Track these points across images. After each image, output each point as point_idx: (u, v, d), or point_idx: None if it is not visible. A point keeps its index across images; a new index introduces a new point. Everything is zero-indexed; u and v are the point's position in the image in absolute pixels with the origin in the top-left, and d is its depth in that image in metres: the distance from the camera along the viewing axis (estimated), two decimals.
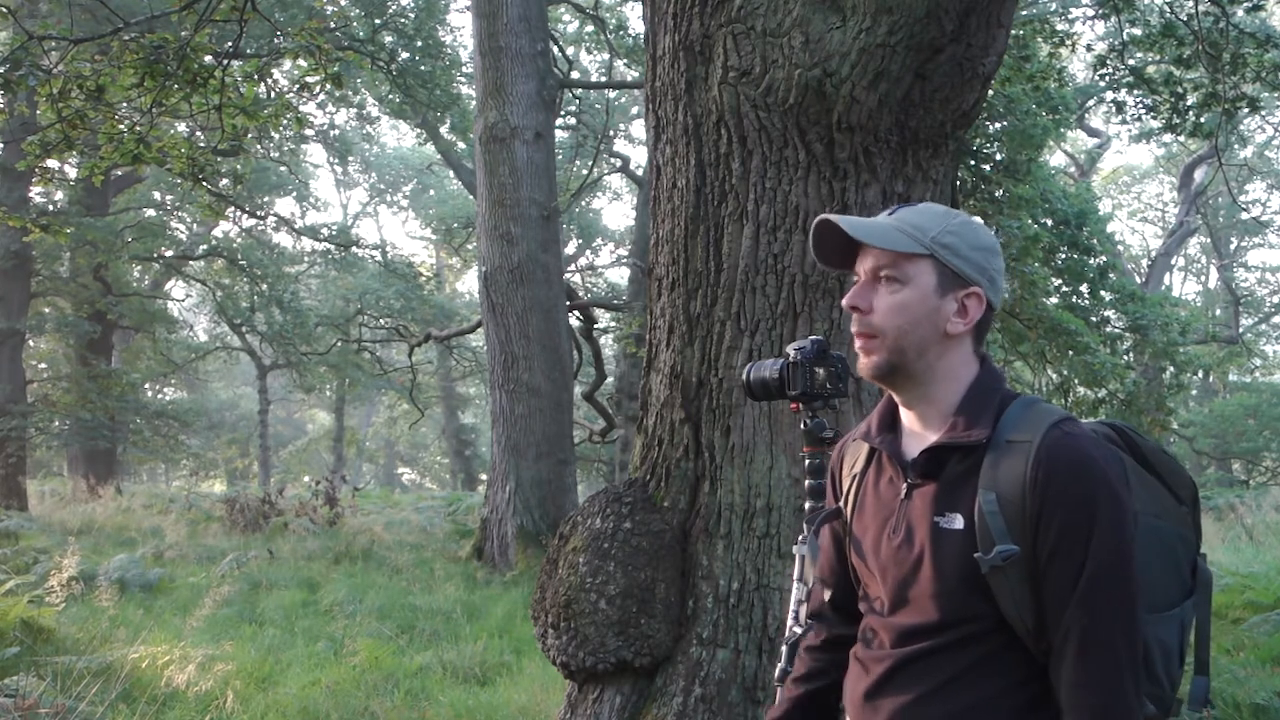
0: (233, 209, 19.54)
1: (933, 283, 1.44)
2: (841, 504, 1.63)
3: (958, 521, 1.39)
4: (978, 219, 1.52)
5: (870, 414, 1.60)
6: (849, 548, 1.59)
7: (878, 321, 1.46)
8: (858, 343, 1.49)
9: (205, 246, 23.42)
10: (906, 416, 1.53)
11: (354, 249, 24.79)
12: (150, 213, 22.73)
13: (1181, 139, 14.61)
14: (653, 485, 3.23)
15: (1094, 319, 11.30)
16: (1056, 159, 26.44)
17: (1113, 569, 1.32)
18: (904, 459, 1.48)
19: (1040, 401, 1.45)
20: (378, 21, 16.29)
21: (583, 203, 28.33)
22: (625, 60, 17.16)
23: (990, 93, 5.12)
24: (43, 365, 24.15)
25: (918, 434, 1.49)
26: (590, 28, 20.80)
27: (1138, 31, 9.65)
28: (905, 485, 1.47)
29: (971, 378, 1.47)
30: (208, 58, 6.93)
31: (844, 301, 1.50)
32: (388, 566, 10.03)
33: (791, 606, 1.83)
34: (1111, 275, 11.47)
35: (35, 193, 16.37)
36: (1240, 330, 27.38)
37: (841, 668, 1.62)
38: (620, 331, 18.77)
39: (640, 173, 19.67)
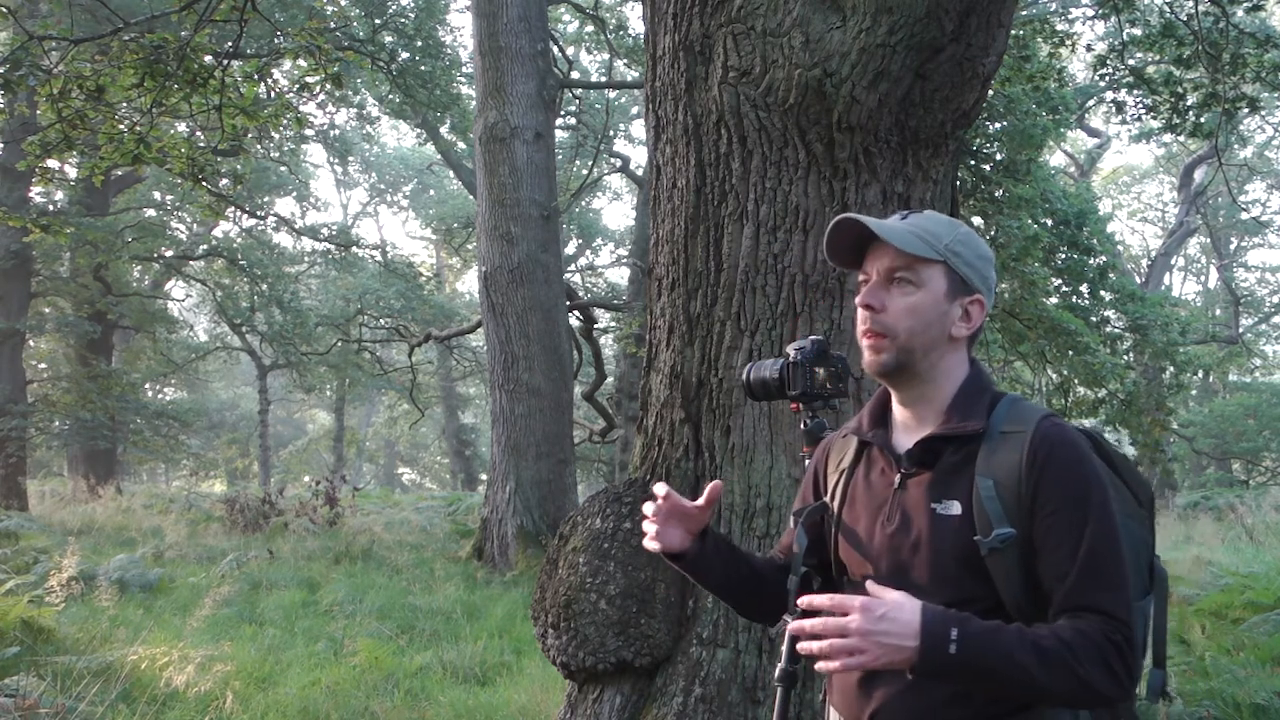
0: (233, 209, 19.51)
1: (944, 288, 1.54)
2: (828, 499, 1.71)
3: (955, 508, 1.47)
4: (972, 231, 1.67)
5: (860, 411, 1.68)
6: (836, 539, 1.67)
7: (890, 321, 1.54)
8: (867, 341, 1.56)
9: (205, 246, 23.42)
10: (900, 413, 1.62)
11: (354, 249, 24.79)
12: (150, 213, 22.74)
13: (1181, 139, 14.60)
14: (653, 485, 3.23)
15: (1094, 319, 11.31)
16: (1056, 159, 26.47)
17: (1108, 542, 1.41)
18: (897, 451, 1.58)
19: (1026, 400, 1.57)
20: (378, 21, 16.28)
21: (583, 203, 28.31)
22: (625, 60, 17.16)
23: (990, 93, 5.12)
24: (43, 365, 24.14)
25: (911, 428, 1.59)
26: (590, 28, 20.79)
27: (1138, 31, 9.64)
28: (899, 475, 1.56)
29: (963, 377, 1.57)
30: (208, 58, 6.93)
31: (858, 300, 1.57)
32: (388, 566, 10.03)
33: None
34: (1111, 275, 11.47)
35: (35, 193, 16.38)
36: (1240, 330, 27.38)
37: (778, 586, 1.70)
38: (620, 331, 18.77)
39: (640, 173, 19.66)
